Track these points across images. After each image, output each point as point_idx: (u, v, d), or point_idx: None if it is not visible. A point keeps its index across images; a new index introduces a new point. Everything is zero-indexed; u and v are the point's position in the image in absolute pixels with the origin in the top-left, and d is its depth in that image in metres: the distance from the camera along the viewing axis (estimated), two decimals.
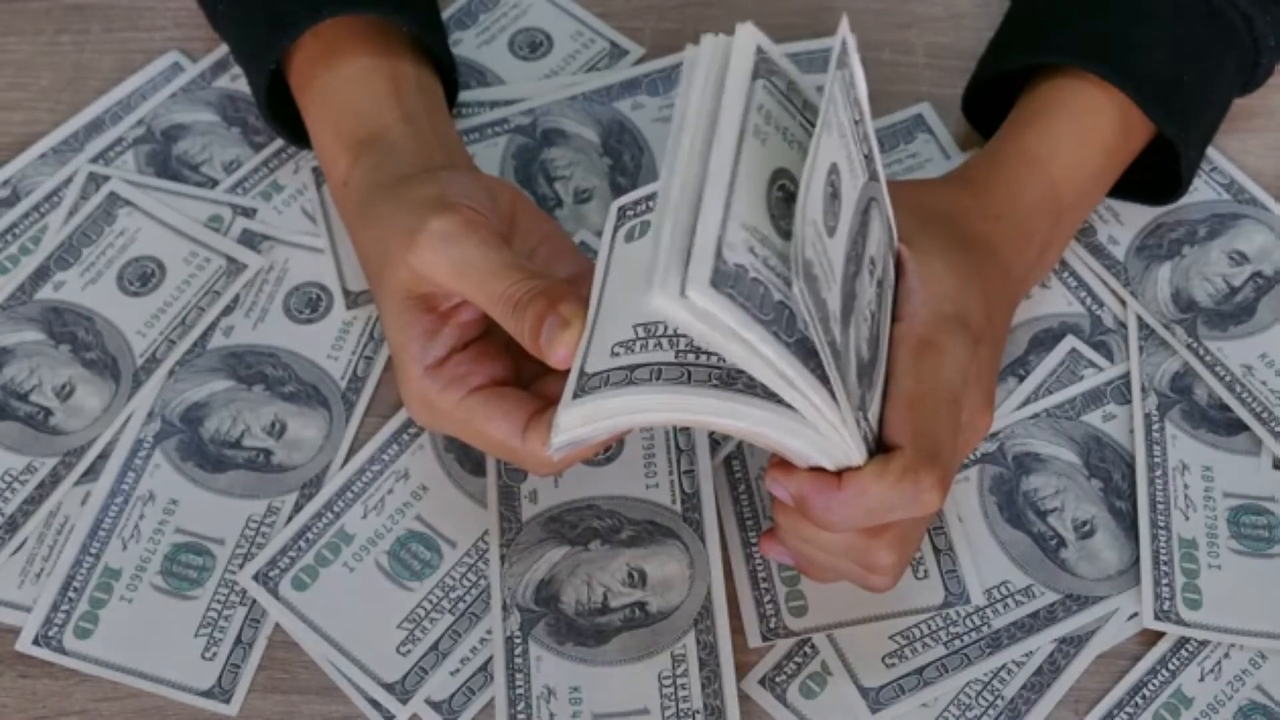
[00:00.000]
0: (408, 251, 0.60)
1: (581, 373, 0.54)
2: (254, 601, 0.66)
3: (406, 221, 0.61)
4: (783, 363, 0.48)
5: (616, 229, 0.58)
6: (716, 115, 0.48)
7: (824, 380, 0.49)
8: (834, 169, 0.49)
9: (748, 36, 0.50)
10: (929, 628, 0.65)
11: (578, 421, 0.54)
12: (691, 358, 0.52)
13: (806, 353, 0.48)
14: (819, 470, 0.55)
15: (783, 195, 0.49)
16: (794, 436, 0.52)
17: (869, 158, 0.54)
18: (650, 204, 0.58)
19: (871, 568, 0.59)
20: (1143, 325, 0.72)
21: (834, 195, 0.49)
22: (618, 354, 0.53)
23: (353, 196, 0.67)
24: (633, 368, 0.52)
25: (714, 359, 0.52)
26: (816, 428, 0.51)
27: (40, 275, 0.74)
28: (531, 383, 0.63)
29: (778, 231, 0.49)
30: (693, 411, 0.52)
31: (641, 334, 0.53)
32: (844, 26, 0.50)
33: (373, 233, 0.64)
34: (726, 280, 0.46)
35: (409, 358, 0.61)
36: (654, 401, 0.52)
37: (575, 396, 0.54)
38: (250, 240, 0.75)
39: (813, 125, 0.51)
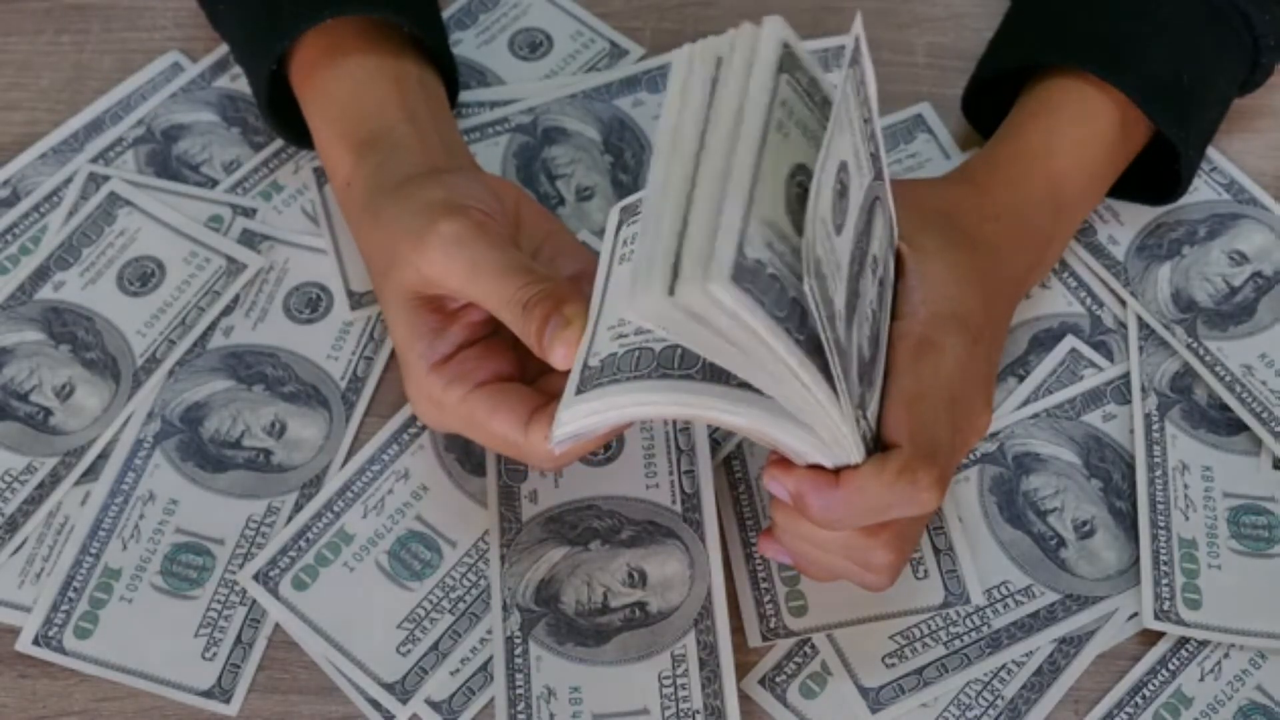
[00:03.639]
0: (416, 254, 0.60)
1: (584, 367, 0.54)
2: (254, 601, 0.66)
3: (414, 224, 0.61)
4: (794, 360, 0.47)
5: (619, 230, 0.58)
6: (742, 108, 0.48)
7: (829, 379, 0.49)
8: (843, 167, 0.49)
9: (775, 30, 0.50)
10: (929, 628, 0.65)
11: (580, 414, 0.54)
12: (682, 352, 0.52)
13: (814, 350, 0.48)
14: (817, 468, 0.55)
15: (800, 191, 0.49)
16: (792, 434, 0.52)
17: (875, 156, 0.54)
18: None
19: (869, 566, 0.59)
20: (1143, 325, 0.72)
21: (842, 193, 0.49)
22: (619, 349, 0.53)
23: (356, 197, 0.67)
24: (635, 363, 0.53)
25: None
26: (816, 427, 0.51)
27: (40, 275, 0.74)
28: (536, 379, 0.63)
29: (794, 228, 0.49)
30: (694, 406, 0.52)
31: (644, 329, 0.53)
32: (857, 25, 0.50)
33: (378, 234, 0.64)
34: (746, 275, 0.45)
35: (415, 356, 0.62)
36: (656, 396, 0.52)
37: (578, 391, 0.54)
38: (250, 240, 0.75)
39: (828, 121, 0.51)
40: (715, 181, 0.46)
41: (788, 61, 0.50)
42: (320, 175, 0.77)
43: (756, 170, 0.47)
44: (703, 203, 0.46)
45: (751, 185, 0.46)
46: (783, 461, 0.56)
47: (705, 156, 0.47)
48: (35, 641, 0.65)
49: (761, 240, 0.46)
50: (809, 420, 0.51)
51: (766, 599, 0.66)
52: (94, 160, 0.78)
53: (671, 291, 0.44)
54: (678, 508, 0.67)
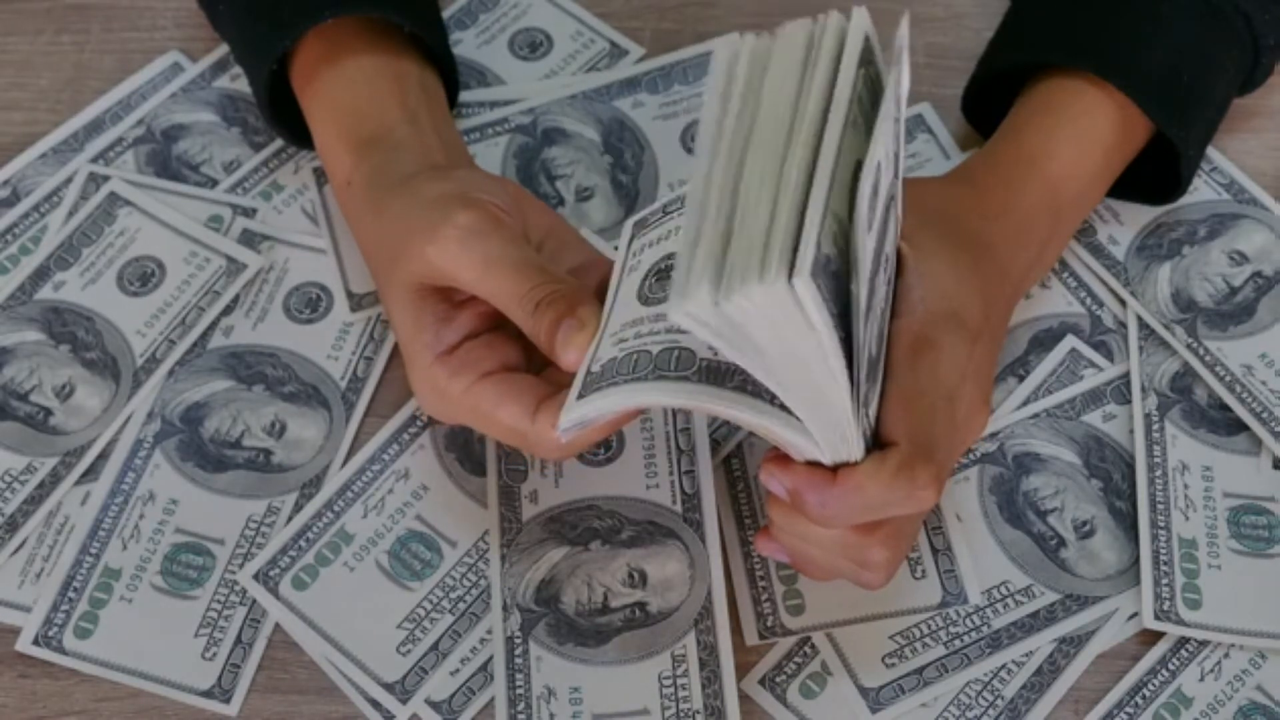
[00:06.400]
0: (429, 244, 0.60)
1: (587, 373, 0.55)
2: (254, 601, 0.66)
3: (428, 215, 0.61)
4: (834, 358, 0.47)
5: (630, 243, 0.59)
6: (828, 102, 0.48)
7: (851, 377, 0.49)
8: (879, 166, 0.49)
9: (860, 23, 0.49)
10: (929, 628, 0.65)
11: (588, 402, 0.54)
12: (684, 345, 0.52)
13: (845, 347, 0.48)
14: (815, 465, 0.55)
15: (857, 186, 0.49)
16: (794, 431, 0.52)
17: (898, 156, 0.54)
18: (665, 212, 0.58)
19: (865, 564, 0.59)
20: (1143, 325, 0.72)
21: (874, 192, 0.49)
22: (619, 354, 0.54)
23: (357, 196, 0.67)
24: (633, 366, 0.53)
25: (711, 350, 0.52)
26: (822, 424, 0.51)
27: (40, 275, 0.74)
28: (542, 369, 0.63)
29: (851, 223, 0.49)
30: (700, 401, 0.52)
31: (644, 334, 0.53)
32: (904, 26, 0.50)
33: (383, 229, 0.64)
34: (818, 271, 0.45)
35: (421, 346, 0.61)
36: (653, 397, 0.52)
37: (580, 396, 0.54)
38: (250, 240, 0.75)
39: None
40: (802, 175, 0.46)
41: (866, 55, 0.50)
42: (320, 175, 0.77)
43: (835, 166, 0.46)
44: (786, 197, 0.46)
45: (830, 181, 0.46)
46: (780, 458, 0.56)
47: (791, 149, 0.47)
48: (35, 641, 0.65)
49: (830, 236, 0.46)
50: (816, 418, 0.51)
51: (764, 598, 0.66)
52: (94, 160, 0.78)
53: (760, 281, 0.44)
54: (678, 508, 0.67)
